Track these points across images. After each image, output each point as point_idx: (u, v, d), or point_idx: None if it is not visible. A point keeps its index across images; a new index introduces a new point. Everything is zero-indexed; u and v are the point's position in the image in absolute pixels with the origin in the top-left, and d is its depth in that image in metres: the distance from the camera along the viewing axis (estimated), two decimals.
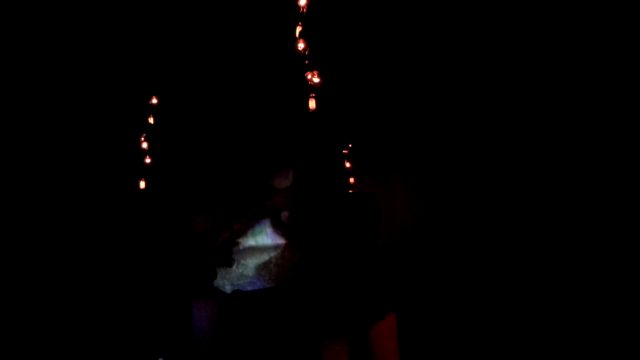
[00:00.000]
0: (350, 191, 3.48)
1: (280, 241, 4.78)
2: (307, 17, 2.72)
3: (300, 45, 2.71)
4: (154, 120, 4.22)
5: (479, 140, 4.44)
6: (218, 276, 4.68)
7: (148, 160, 4.26)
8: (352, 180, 5.43)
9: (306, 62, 2.71)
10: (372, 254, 2.54)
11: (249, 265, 5.10)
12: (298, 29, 2.73)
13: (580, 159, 3.89)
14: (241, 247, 4.90)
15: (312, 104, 2.74)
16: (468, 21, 3.76)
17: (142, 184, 4.24)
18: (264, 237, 4.96)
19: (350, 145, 5.47)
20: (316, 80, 2.72)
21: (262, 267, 5.07)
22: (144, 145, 4.25)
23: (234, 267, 5.00)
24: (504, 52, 3.99)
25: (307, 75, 2.71)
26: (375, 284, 2.49)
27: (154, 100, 4.22)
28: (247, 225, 4.96)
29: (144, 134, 4.28)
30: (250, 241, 4.94)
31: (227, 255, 4.91)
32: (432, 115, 4.70)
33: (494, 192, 4.41)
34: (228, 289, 4.92)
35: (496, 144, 4.40)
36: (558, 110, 3.97)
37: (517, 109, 4.22)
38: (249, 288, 5.03)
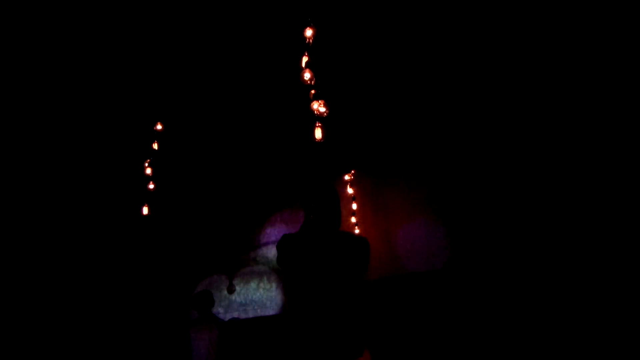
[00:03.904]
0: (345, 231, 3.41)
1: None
2: (313, 48, 2.74)
3: (307, 75, 2.71)
4: (159, 146, 4.23)
5: (482, 172, 4.47)
6: (217, 304, 4.61)
7: (152, 186, 4.24)
8: (355, 206, 5.44)
9: (312, 91, 2.70)
10: (355, 294, 2.50)
11: (249, 290, 5.04)
12: (304, 59, 2.74)
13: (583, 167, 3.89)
14: (241, 273, 4.87)
15: (318, 133, 2.72)
16: (470, 53, 3.81)
17: (145, 210, 4.21)
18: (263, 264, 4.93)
19: (353, 172, 5.50)
20: (322, 109, 2.70)
21: (262, 293, 5.01)
22: (148, 171, 4.24)
23: (234, 295, 4.94)
24: (508, 73, 4.04)
25: (312, 104, 2.70)
26: (354, 322, 2.44)
27: (159, 127, 4.23)
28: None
29: (148, 160, 4.27)
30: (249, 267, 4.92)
31: (229, 282, 4.85)
32: (437, 140, 4.74)
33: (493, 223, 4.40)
34: (227, 317, 4.85)
35: (498, 173, 4.42)
36: (566, 131, 4.00)
37: (520, 134, 4.25)
38: (250, 315, 4.97)
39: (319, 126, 2.72)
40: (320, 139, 2.71)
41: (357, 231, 5.36)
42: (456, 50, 3.78)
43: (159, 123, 4.22)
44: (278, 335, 4.44)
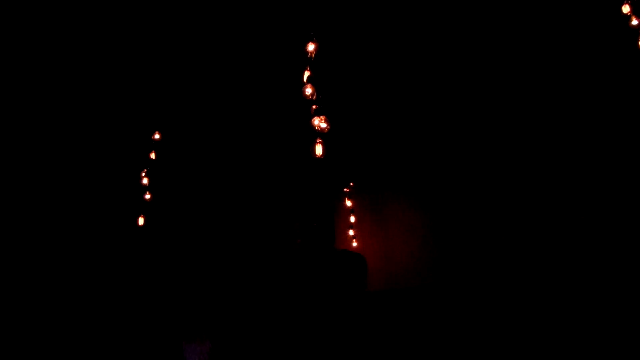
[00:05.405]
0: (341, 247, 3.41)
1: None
2: (315, 62, 2.72)
3: (308, 90, 2.68)
4: (156, 156, 4.18)
5: (481, 188, 4.46)
6: None
7: (148, 197, 4.19)
8: (353, 219, 5.40)
9: (313, 107, 2.67)
10: (353, 311, 2.49)
11: None
12: (306, 74, 2.71)
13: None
14: None
15: (318, 149, 2.68)
16: (468, 70, 3.82)
17: (141, 221, 4.15)
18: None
19: (352, 184, 5.47)
20: (323, 125, 2.67)
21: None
22: (145, 181, 4.19)
23: None
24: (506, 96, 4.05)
25: (313, 120, 2.67)
26: (353, 339, 2.42)
27: (157, 136, 4.18)
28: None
29: (145, 170, 4.22)
30: None
31: None
32: (437, 157, 4.74)
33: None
34: None
35: (496, 191, 4.41)
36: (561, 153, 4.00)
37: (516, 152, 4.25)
38: None
39: (319, 142, 2.69)
40: (321, 156, 2.67)
41: (354, 244, 5.32)
42: (454, 68, 3.79)
43: (157, 132, 4.17)
44: (273, 350, 4.37)
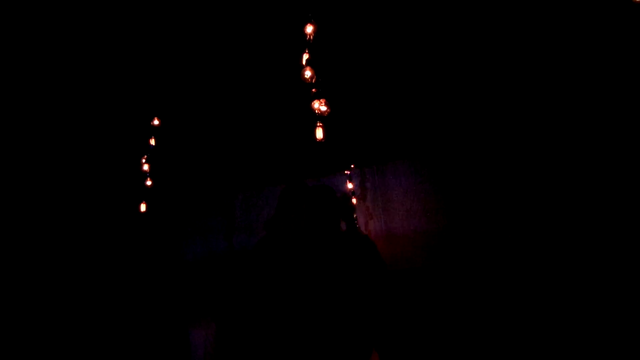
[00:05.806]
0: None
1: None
2: (314, 45, 2.68)
3: (307, 73, 2.64)
4: (156, 141, 4.16)
5: (483, 169, 4.44)
6: None
7: (149, 183, 4.18)
8: (354, 201, 5.40)
9: (313, 90, 2.64)
10: (363, 293, 2.48)
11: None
12: (305, 57, 2.67)
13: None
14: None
15: (319, 133, 2.66)
16: (470, 49, 3.76)
17: (143, 207, 4.16)
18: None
19: (352, 166, 5.45)
20: (323, 108, 2.64)
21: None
22: (145, 167, 4.18)
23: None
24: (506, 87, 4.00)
25: (313, 103, 2.64)
26: (361, 324, 2.42)
27: (156, 122, 4.15)
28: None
29: (145, 156, 4.21)
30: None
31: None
32: (439, 138, 4.71)
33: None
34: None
35: (499, 170, 4.39)
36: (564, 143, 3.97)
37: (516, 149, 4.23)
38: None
39: (320, 126, 2.67)
40: (322, 139, 2.65)
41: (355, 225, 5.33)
42: (456, 47, 3.73)
43: (156, 118, 4.14)
44: (279, 332, 4.41)
